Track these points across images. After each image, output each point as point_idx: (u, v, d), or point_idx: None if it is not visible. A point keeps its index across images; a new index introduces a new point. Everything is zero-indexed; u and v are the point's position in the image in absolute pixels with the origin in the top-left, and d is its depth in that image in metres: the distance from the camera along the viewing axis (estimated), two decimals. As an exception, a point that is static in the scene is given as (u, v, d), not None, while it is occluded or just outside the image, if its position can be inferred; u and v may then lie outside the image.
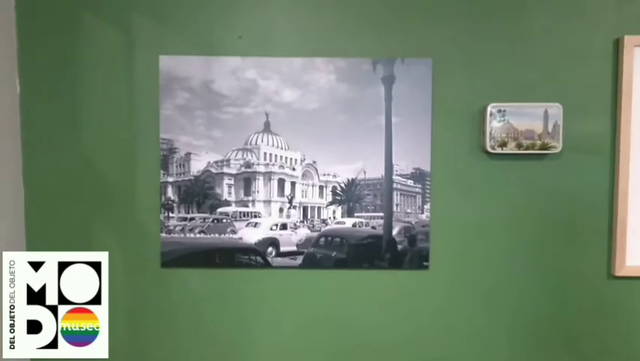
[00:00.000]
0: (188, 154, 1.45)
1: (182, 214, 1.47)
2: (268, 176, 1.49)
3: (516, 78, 1.45)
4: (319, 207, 1.50)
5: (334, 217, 1.49)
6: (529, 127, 1.42)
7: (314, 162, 1.47)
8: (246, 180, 1.48)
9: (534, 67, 1.44)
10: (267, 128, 1.46)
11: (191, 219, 1.47)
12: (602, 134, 1.45)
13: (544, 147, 1.42)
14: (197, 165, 1.46)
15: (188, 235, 1.47)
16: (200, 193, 1.48)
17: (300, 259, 1.48)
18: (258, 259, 1.47)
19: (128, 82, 1.43)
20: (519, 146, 1.42)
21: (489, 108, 1.42)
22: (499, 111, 1.42)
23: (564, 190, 1.46)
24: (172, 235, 1.46)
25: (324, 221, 1.49)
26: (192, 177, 1.47)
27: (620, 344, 1.48)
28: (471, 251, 1.48)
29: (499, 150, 1.42)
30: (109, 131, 1.43)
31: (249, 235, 1.47)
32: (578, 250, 1.46)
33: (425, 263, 1.47)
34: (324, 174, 1.47)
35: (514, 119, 1.42)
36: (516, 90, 1.44)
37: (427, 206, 1.48)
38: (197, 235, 1.47)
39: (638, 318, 1.47)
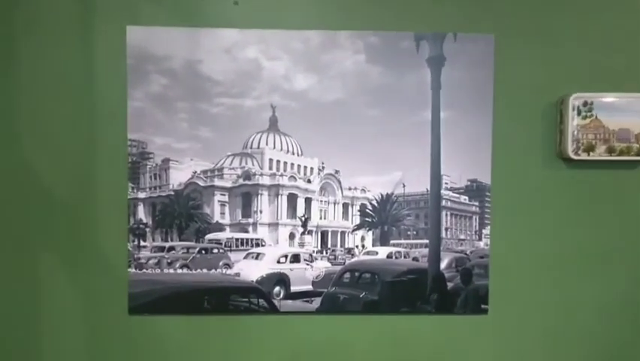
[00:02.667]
0: (166, 161, 1.22)
1: (158, 243, 1.25)
2: (275, 190, 1.26)
3: (604, 61, 1.22)
4: (343, 233, 1.28)
5: (363, 246, 1.28)
6: (623, 125, 1.17)
7: (336, 171, 1.25)
8: (245, 197, 1.26)
9: (626, 47, 1.22)
10: (273, 126, 1.23)
11: (171, 249, 1.25)
12: None
13: (643, 151, 1.19)
14: (178, 176, 1.23)
15: (166, 270, 1.24)
16: (182, 214, 1.25)
17: (317, 302, 1.25)
18: (262, 302, 1.25)
19: (84, 63, 1.19)
20: (610, 150, 1.18)
21: (571, 100, 1.18)
22: (585, 104, 1.17)
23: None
24: (144, 270, 1.23)
25: (349, 251, 1.28)
26: (172, 193, 1.24)
27: None
28: (544, 291, 1.25)
29: (583, 156, 1.18)
30: (57, 129, 1.20)
31: (249, 271, 1.25)
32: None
33: (483, 306, 1.25)
34: (350, 188, 1.26)
35: (604, 115, 1.17)
36: (604, 77, 1.22)
37: (486, 230, 1.26)
38: (179, 271, 1.24)
39: None
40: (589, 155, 1.18)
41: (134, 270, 1.22)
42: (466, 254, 1.26)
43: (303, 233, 1.27)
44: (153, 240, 1.24)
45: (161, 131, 1.21)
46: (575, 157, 1.19)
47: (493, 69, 1.22)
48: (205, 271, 1.24)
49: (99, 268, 1.22)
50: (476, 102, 1.23)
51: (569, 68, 1.23)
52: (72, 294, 1.22)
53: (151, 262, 1.24)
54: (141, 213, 1.24)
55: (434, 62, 1.22)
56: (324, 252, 1.27)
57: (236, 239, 1.26)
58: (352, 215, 1.28)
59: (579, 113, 1.18)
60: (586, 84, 1.21)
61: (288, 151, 1.25)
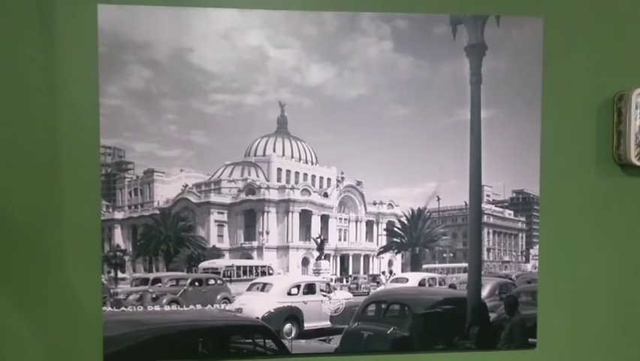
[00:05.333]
0: (149, 173, 1.10)
1: (140, 274, 1.13)
2: (284, 207, 1.15)
3: None
4: (367, 257, 1.19)
5: (391, 272, 1.19)
6: (694, 126, 1.11)
7: (358, 183, 1.15)
8: (248, 215, 1.15)
9: None
10: (281, 128, 1.12)
11: (156, 281, 1.13)
12: None
13: None
14: (165, 191, 1.11)
15: (150, 307, 1.12)
16: (170, 238, 1.13)
17: (336, 341, 1.15)
18: (269, 343, 1.14)
19: (44, 51, 1.06)
20: (679, 156, 1.11)
21: (634, 96, 1.11)
22: (650, 101, 1.11)
23: None
24: (122, 308, 1.11)
25: (374, 278, 1.19)
26: (157, 212, 1.12)
27: None
28: (601, 321, 1.18)
29: (648, 162, 1.11)
30: (10, 135, 1.07)
31: (254, 305, 1.15)
32: None
33: (531, 340, 1.18)
34: (375, 203, 1.17)
35: (672, 114, 1.11)
36: None
37: (535, 250, 1.18)
38: (167, 308, 1.12)
39: None
40: (654, 160, 1.12)
41: (109, 308, 1.10)
42: (511, 279, 1.20)
43: (318, 258, 1.18)
44: (134, 270, 1.13)
45: (143, 135, 1.08)
46: (638, 163, 1.12)
47: (541, 60, 1.15)
48: (199, 307, 1.13)
49: (67, 307, 1.10)
50: (523, 99, 1.15)
51: (630, 58, 1.17)
52: (33, 340, 1.09)
53: (131, 297, 1.12)
54: (118, 237, 1.11)
55: (474, 50, 1.14)
56: (345, 280, 1.18)
57: (238, 267, 1.16)
58: (378, 235, 1.19)
59: (643, 112, 1.12)
60: None
61: (299, 159, 1.15)
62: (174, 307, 1.12)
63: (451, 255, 1.19)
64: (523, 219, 1.20)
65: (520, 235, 1.21)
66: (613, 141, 1.16)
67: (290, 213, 1.16)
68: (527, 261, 1.20)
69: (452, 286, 1.19)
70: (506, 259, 1.21)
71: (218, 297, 1.14)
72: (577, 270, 1.18)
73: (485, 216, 1.18)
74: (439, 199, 1.16)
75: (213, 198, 1.13)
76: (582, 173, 1.17)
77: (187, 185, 1.11)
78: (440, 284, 1.19)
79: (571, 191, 1.17)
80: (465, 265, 1.19)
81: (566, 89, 1.16)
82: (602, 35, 1.16)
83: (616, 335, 1.19)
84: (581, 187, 1.17)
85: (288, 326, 1.15)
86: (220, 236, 1.14)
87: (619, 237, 1.18)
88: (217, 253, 1.14)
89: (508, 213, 1.20)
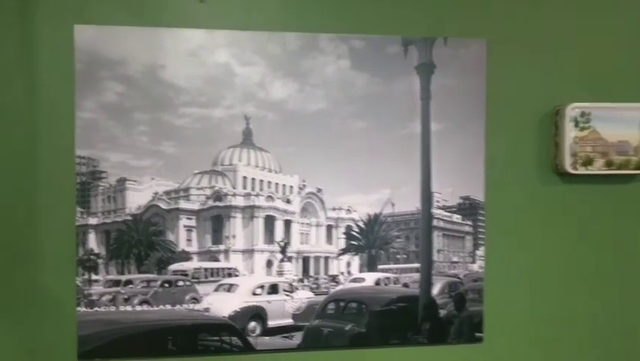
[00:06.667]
0: (122, 181, 1.17)
1: (113, 276, 1.19)
2: (250, 213, 1.23)
3: (603, 69, 1.27)
4: (327, 259, 1.26)
5: (349, 273, 1.26)
6: (622, 137, 1.23)
7: (318, 190, 1.24)
8: (216, 220, 1.22)
9: (626, 54, 1.27)
10: (247, 139, 1.20)
11: (128, 283, 1.19)
12: None
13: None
14: (137, 199, 1.18)
15: (122, 307, 1.18)
16: (141, 242, 1.20)
17: (298, 337, 1.23)
18: (235, 340, 1.21)
19: (23, 68, 1.12)
20: (609, 164, 1.23)
21: (568, 111, 1.22)
22: (583, 115, 1.22)
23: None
24: (96, 308, 1.17)
25: (333, 279, 1.26)
26: (129, 218, 1.18)
27: None
28: (541, 314, 1.29)
29: (581, 170, 1.22)
30: None
31: (221, 305, 1.22)
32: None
33: (478, 334, 1.27)
34: (334, 209, 1.25)
35: (602, 127, 1.22)
36: (602, 86, 1.27)
37: (480, 252, 1.28)
38: (138, 308, 1.19)
39: None
40: (587, 169, 1.23)
41: (84, 308, 1.16)
42: (459, 278, 1.28)
43: (282, 260, 1.25)
44: (107, 273, 1.19)
45: (117, 146, 1.15)
46: (573, 171, 1.23)
47: (485, 77, 1.25)
48: (169, 307, 1.20)
49: (43, 308, 1.15)
50: (468, 113, 1.24)
51: (565, 75, 1.27)
52: (11, 339, 1.15)
53: (104, 298, 1.18)
54: (92, 242, 1.17)
55: (423, 69, 1.23)
56: (306, 280, 1.26)
57: (206, 269, 1.22)
58: (337, 238, 1.27)
59: (576, 125, 1.22)
60: (584, 93, 1.26)
61: (264, 168, 1.22)
62: (145, 307, 1.19)
63: (405, 256, 1.27)
64: (469, 222, 1.29)
65: (467, 237, 1.29)
66: (551, 152, 1.27)
67: (255, 219, 1.23)
68: (474, 261, 1.29)
69: (405, 285, 1.27)
70: (455, 259, 1.29)
71: (187, 297, 1.21)
72: (519, 269, 1.28)
73: (435, 220, 1.26)
74: (393, 205, 1.25)
75: (182, 204, 1.20)
76: (523, 180, 1.27)
77: (157, 192, 1.18)
78: (394, 283, 1.27)
79: (513, 197, 1.27)
80: (417, 265, 1.27)
81: (508, 104, 1.26)
82: (540, 55, 1.26)
83: (556, 329, 1.29)
84: (523, 193, 1.27)
85: (252, 323, 1.23)
86: (189, 240, 1.21)
87: (557, 238, 1.28)
88: (186, 256, 1.21)
89: (457, 217, 1.28)
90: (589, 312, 1.29)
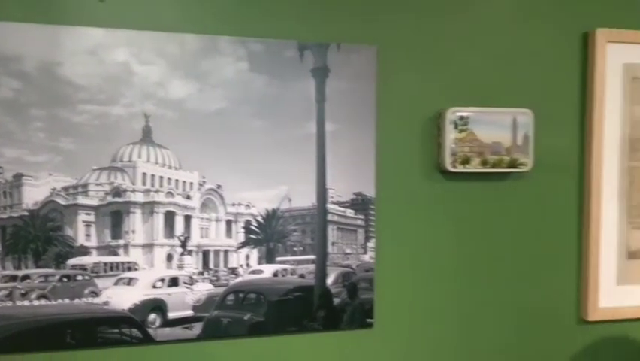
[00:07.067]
0: (18, 176, 1.16)
1: (10, 271, 1.18)
2: (149, 208, 1.25)
3: (481, 76, 1.39)
4: (226, 252, 1.31)
5: (248, 265, 1.31)
6: (496, 139, 1.37)
7: (218, 186, 1.28)
8: (115, 216, 1.23)
9: (501, 63, 1.40)
10: (146, 137, 1.22)
11: (25, 278, 1.19)
12: (573, 149, 1.45)
13: (512, 163, 1.38)
14: (33, 194, 1.18)
15: (19, 302, 1.18)
16: (39, 237, 1.19)
17: (198, 328, 1.27)
18: (135, 332, 1.23)
19: None
20: (484, 163, 1.36)
21: (448, 114, 1.34)
22: (461, 118, 1.35)
23: (531, 218, 1.44)
24: None
25: (233, 271, 1.30)
26: (26, 213, 1.18)
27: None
28: (426, 300, 1.40)
29: (460, 169, 1.35)
30: None
31: (120, 298, 1.23)
32: (546, 291, 1.46)
33: (369, 320, 1.36)
34: (234, 204, 1.29)
35: (478, 129, 1.35)
36: (480, 91, 1.39)
37: (372, 244, 1.37)
38: (36, 303, 1.18)
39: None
40: (465, 167, 1.35)
41: None
42: (352, 268, 1.36)
43: (182, 254, 1.27)
44: (3, 268, 1.18)
45: (12, 142, 1.15)
46: (453, 169, 1.35)
47: (375, 81, 1.33)
48: (67, 301, 1.20)
49: None
50: (360, 115, 1.33)
51: (448, 82, 1.38)
52: None
53: (1, 293, 1.17)
54: None
55: (318, 72, 1.30)
56: (206, 273, 1.29)
57: (105, 263, 1.23)
58: (236, 232, 1.31)
59: (456, 127, 1.34)
60: (464, 98, 1.38)
61: (164, 165, 1.25)
62: (43, 301, 1.19)
63: (301, 248, 1.34)
64: (361, 217, 1.37)
65: (359, 230, 1.37)
66: (435, 152, 1.38)
67: (155, 214, 1.25)
68: (365, 252, 1.37)
69: (302, 275, 1.33)
70: (348, 251, 1.36)
71: (86, 291, 1.21)
72: (407, 259, 1.38)
73: (330, 215, 1.34)
74: (290, 200, 1.31)
75: (81, 200, 1.21)
76: (410, 177, 1.37)
77: (55, 188, 1.18)
78: (291, 274, 1.33)
79: (401, 193, 1.37)
80: (313, 257, 1.34)
81: (397, 107, 1.35)
82: (425, 62, 1.36)
83: (440, 314, 1.40)
84: (410, 189, 1.37)
85: (153, 316, 1.25)
86: (87, 235, 1.22)
87: (441, 230, 1.40)
88: (84, 251, 1.22)
89: (350, 212, 1.36)
90: (469, 297, 1.42)
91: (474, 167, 1.36)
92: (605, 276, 1.46)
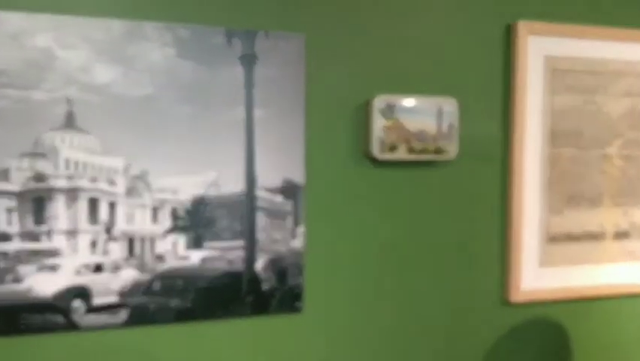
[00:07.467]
0: None
1: None
2: (73, 194, 1.25)
3: (408, 65, 1.44)
4: (152, 238, 1.31)
5: (175, 251, 1.32)
6: (422, 127, 1.42)
7: (144, 172, 1.28)
8: (37, 202, 1.22)
9: (423, 54, 1.45)
10: (69, 122, 1.22)
11: None
12: (496, 138, 1.52)
13: (437, 151, 1.43)
14: None
15: None
16: None
17: (124, 314, 1.28)
18: (59, 318, 1.23)
19: None
20: (411, 150, 1.42)
21: (375, 102, 1.38)
22: (388, 106, 1.39)
23: (456, 205, 1.50)
24: None
25: (159, 257, 1.31)
26: None
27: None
28: (355, 285, 1.44)
29: (387, 156, 1.40)
30: None
31: (43, 284, 1.23)
32: (471, 274, 1.52)
33: (298, 304, 1.39)
34: (160, 190, 1.29)
35: (405, 117, 1.40)
36: (407, 80, 1.44)
37: (301, 229, 1.40)
38: None
39: (536, 349, 1.60)
40: (392, 154, 1.40)
41: None
42: (280, 254, 1.38)
43: (107, 240, 1.27)
44: None
45: None
46: (380, 157, 1.39)
47: (304, 69, 1.37)
48: None
49: None
50: (289, 102, 1.36)
51: (375, 70, 1.42)
52: None
53: None
54: None
55: (247, 59, 1.32)
56: (132, 260, 1.29)
57: (28, 250, 1.22)
58: (163, 219, 1.31)
59: (383, 115, 1.39)
60: (392, 87, 1.43)
61: (88, 150, 1.24)
62: None
63: (229, 235, 1.35)
64: (290, 203, 1.39)
65: (288, 217, 1.39)
66: (363, 139, 1.43)
67: (78, 200, 1.25)
68: (294, 238, 1.39)
69: (230, 261, 1.34)
70: (277, 237, 1.39)
71: (8, 278, 1.20)
72: (336, 245, 1.42)
73: (259, 201, 1.36)
74: (218, 187, 1.32)
75: (2, 186, 1.19)
76: (339, 164, 1.41)
77: None
78: (220, 261, 1.34)
79: (330, 179, 1.41)
80: (241, 243, 1.35)
81: (326, 95, 1.39)
82: (353, 50, 1.40)
83: (370, 299, 1.45)
84: (338, 176, 1.41)
85: (77, 302, 1.25)
86: (9, 222, 1.21)
87: (369, 216, 1.44)
88: (5, 237, 1.20)
89: (279, 198, 1.38)
90: (397, 281, 1.47)
91: (401, 154, 1.41)
92: (527, 259, 1.54)
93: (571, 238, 1.58)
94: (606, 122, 1.59)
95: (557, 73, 1.54)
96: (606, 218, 1.61)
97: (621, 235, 1.62)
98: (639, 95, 1.62)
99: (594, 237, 1.60)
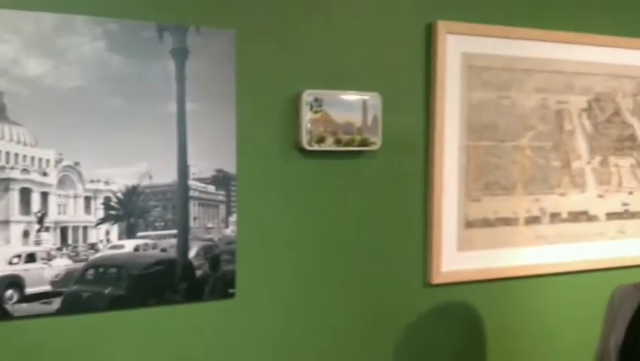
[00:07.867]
0: None
1: None
2: (4, 185, 1.26)
3: (336, 60, 1.52)
4: (85, 228, 1.34)
5: (108, 240, 1.35)
6: (348, 119, 1.51)
7: (76, 163, 1.31)
8: None
9: (349, 50, 1.54)
10: (1, 114, 1.23)
11: None
12: (418, 130, 1.63)
13: (363, 142, 1.53)
14: None
15: None
16: None
17: (57, 303, 1.30)
18: None
19: None
20: (338, 142, 1.50)
21: (304, 96, 1.46)
22: (316, 100, 1.47)
23: (381, 193, 1.59)
24: None
25: (93, 246, 1.34)
26: None
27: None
28: (286, 271, 1.51)
29: (316, 147, 1.47)
30: None
31: None
32: (396, 258, 1.62)
33: (231, 290, 1.45)
34: (92, 181, 1.33)
35: (332, 110, 1.48)
36: (335, 74, 1.52)
37: (233, 218, 1.46)
38: None
39: (456, 327, 1.73)
40: (320, 146, 1.48)
41: None
42: (214, 242, 1.44)
43: (39, 230, 1.29)
44: None
45: None
46: (309, 148, 1.47)
47: (235, 63, 1.42)
48: None
49: None
50: (221, 95, 1.41)
51: (304, 65, 1.50)
52: None
53: None
54: None
55: (178, 53, 1.37)
56: (65, 249, 1.31)
57: None
58: (95, 209, 1.34)
59: (311, 108, 1.46)
60: (319, 81, 1.50)
61: (19, 142, 1.26)
62: None
63: (163, 224, 1.40)
64: (223, 192, 1.44)
65: (220, 206, 1.45)
66: (293, 131, 1.49)
67: (10, 191, 1.26)
68: (227, 226, 1.45)
69: (164, 250, 1.39)
70: (210, 225, 1.44)
71: None
72: (268, 232, 1.48)
73: (191, 191, 1.41)
74: (150, 177, 1.36)
75: None
76: (270, 155, 1.48)
77: None
78: (153, 249, 1.38)
79: (261, 169, 1.47)
80: (174, 231, 1.40)
81: (257, 88, 1.45)
82: (283, 46, 1.47)
83: (299, 284, 1.52)
84: (269, 166, 1.48)
85: (9, 292, 1.26)
86: None
87: (299, 204, 1.51)
88: None
89: (211, 188, 1.43)
90: (326, 266, 1.55)
91: (328, 145, 1.49)
92: (447, 243, 1.66)
93: (487, 223, 1.71)
94: (519, 116, 1.73)
95: (474, 69, 1.67)
96: (519, 205, 1.75)
97: (532, 221, 1.77)
98: (549, 90, 1.77)
99: (508, 222, 1.74)
